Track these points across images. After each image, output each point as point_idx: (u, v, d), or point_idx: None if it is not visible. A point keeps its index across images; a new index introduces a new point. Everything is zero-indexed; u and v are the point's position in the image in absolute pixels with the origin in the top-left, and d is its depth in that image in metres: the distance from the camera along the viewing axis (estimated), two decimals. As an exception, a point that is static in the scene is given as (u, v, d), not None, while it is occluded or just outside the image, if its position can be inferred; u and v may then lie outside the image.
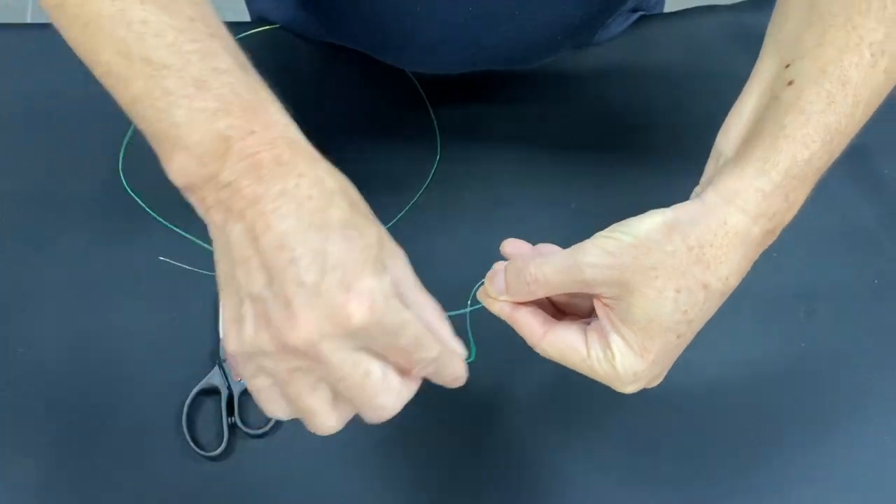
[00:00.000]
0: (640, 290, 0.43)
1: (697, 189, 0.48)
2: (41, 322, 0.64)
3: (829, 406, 0.62)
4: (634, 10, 0.81)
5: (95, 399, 0.61)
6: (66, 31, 0.44)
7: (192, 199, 0.41)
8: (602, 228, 0.45)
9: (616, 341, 0.45)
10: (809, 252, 0.67)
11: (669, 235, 0.44)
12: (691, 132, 0.73)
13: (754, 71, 0.49)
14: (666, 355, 0.46)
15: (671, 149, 0.72)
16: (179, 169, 0.40)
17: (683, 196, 0.48)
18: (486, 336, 0.64)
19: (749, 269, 0.45)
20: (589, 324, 0.48)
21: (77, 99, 0.75)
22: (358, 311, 0.37)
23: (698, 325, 0.45)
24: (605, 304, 0.45)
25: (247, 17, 0.84)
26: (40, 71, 0.76)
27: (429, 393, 0.62)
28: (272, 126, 0.40)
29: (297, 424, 0.61)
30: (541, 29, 0.68)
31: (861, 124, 0.46)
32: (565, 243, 0.46)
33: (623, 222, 0.45)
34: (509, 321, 0.48)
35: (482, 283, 0.49)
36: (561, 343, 0.47)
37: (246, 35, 0.77)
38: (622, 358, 0.45)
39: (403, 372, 0.42)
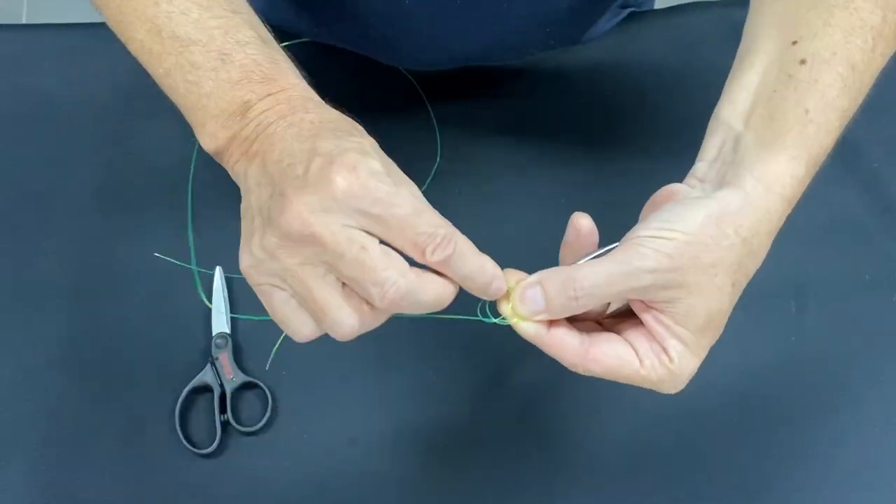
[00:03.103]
0: (702, 290, 0.42)
1: (701, 166, 0.47)
2: (33, 320, 0.64)
3: (819, 399, 0.62)
4: (624, 7, 0.81)
5: (88, 396, 0.61)
6: (102, 10, 0.48)
7: (223, 162, 0.44)
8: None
9: (674, 346, 0.42)
10: (800, 246, 0.68)
11: (722, 229, 0.42)
12: (682, 128, 0.73)
13: (749, 44, 0.48)
14: (710, 347, 0.44)
15: (662, 144, 0.72)
16: (211, 135, 0.44)
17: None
18: (478, 339, 0.64)
19: None
20: (603, 324, 0.46)
21: (71, 98, 0.75)
22: (339, 177, 0.38)
23: None
24: (655, 308, 0.43)
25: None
26: (35, 71, 0.77)
27: (423, 393, 0.62)
28: (287, 88, 0.44)
29: (289, 421, 0.61)
30: (527, 22, 0.68)
31: (857, 107, 0.46)
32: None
33: (662, 217, 0.43)
34: (542, 344, 0.43)
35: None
36: (609, 358, 0.43)
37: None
38: (680, 360, 0.43)
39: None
